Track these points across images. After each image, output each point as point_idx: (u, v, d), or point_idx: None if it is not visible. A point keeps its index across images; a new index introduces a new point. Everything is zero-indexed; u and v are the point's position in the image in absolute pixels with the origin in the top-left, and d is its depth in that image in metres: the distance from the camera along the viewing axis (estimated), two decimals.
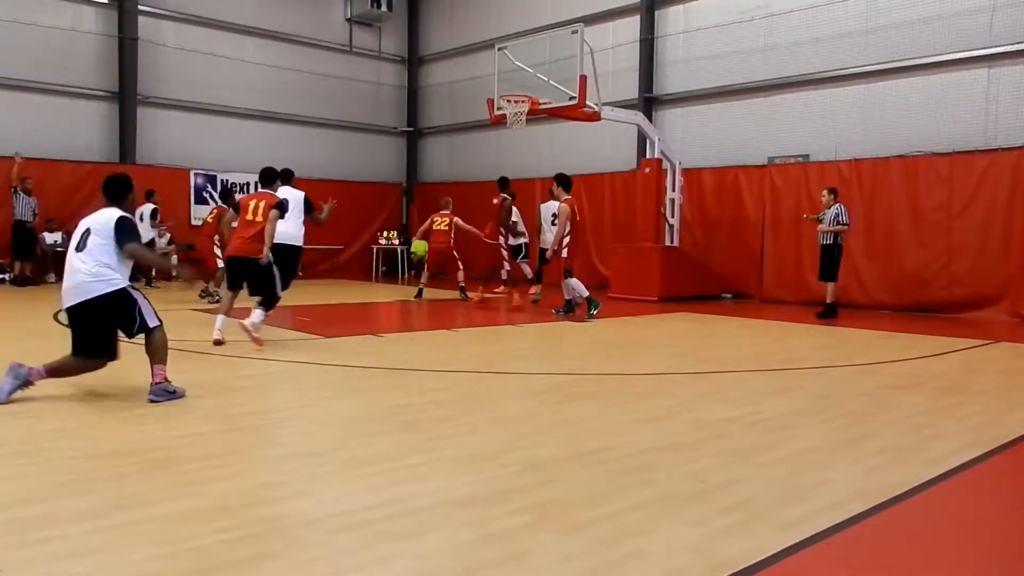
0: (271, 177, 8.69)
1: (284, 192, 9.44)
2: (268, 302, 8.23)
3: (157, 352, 5.56)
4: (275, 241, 8.40)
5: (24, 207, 14.95)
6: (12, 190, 14.84)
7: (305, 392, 6.05)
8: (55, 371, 5.51)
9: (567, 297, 11.25)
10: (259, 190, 8.74)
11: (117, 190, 5.86)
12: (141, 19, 17.65)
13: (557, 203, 12.71)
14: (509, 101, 13.09)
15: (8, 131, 16.10)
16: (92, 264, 5.41)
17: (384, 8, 20.66)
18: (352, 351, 7.88)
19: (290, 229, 9.11)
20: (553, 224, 12.15)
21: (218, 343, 7.95)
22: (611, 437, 4.65)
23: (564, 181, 11.17)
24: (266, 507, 3.36)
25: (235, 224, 8.59)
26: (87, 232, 5.59)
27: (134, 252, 5.58)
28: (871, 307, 12.78)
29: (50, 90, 16.72)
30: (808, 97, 14.35)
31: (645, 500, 3.52)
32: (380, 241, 20.36)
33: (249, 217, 8.20)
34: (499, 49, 13.79)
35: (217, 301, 13.28)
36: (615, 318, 11.41)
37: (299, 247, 9.32)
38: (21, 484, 3.59)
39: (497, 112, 13.37)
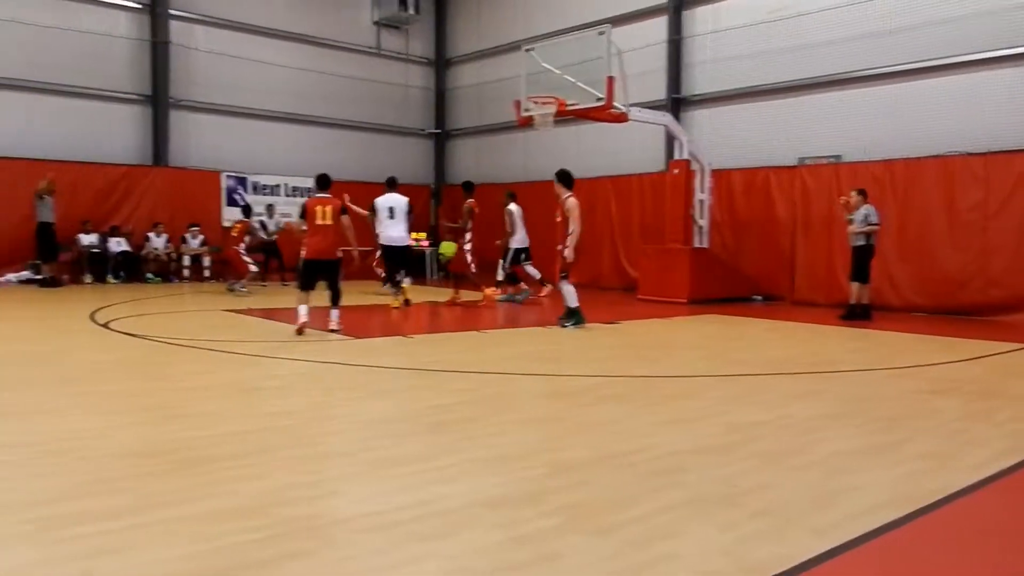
0: (327, 182, 9.51)
1: (388, 198, 11.63)
2: (338, 299, 9.30)
3: None
4: (385, 243, 11.05)
5: (47, 209, 15.09)
6: (38, 196, 14.96)
7: (335, 392, 6.09)
8: None
9: (570, 304, 10.10)
10: (316, 194, 9.46)
11: None
12: (173, 23, 17.91)
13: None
14: (536, 103, 13.09)
15: (45, 135, 16.41)
16: None
17: (411, 11, 20.77)
18: (382, 352, 7.93)
19: (399, 231, 11.41)
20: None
21: (301, 331, 8.80)
22: (640, 439, 4.63)
23: (565, 177, 10.24)
24: (297, 506, 3.39)
25: (303, 227, 9.23)
26: None
27: None
28: (905, 309, 12.60)
29: (85, 94, 17.00)
30: (839, 97, 14.18)
31: (675, 503, 3.50)
32: (408, 243, 20.35)
33: (319, 221, 9.04)
34: (526, 51, 13.80)
35: (241, 291, 13.65)
36: (643, 320, 11.36)
37: (406, 247, 11.44)
38: (57, 482, 3.65)
39: (524, 114, 13.37)
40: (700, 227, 14.50)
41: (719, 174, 14.94)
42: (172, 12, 17.86)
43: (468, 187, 13.66)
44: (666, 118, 14.57)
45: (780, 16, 14.72)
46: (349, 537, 3.07)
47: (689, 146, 14.29)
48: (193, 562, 2.78)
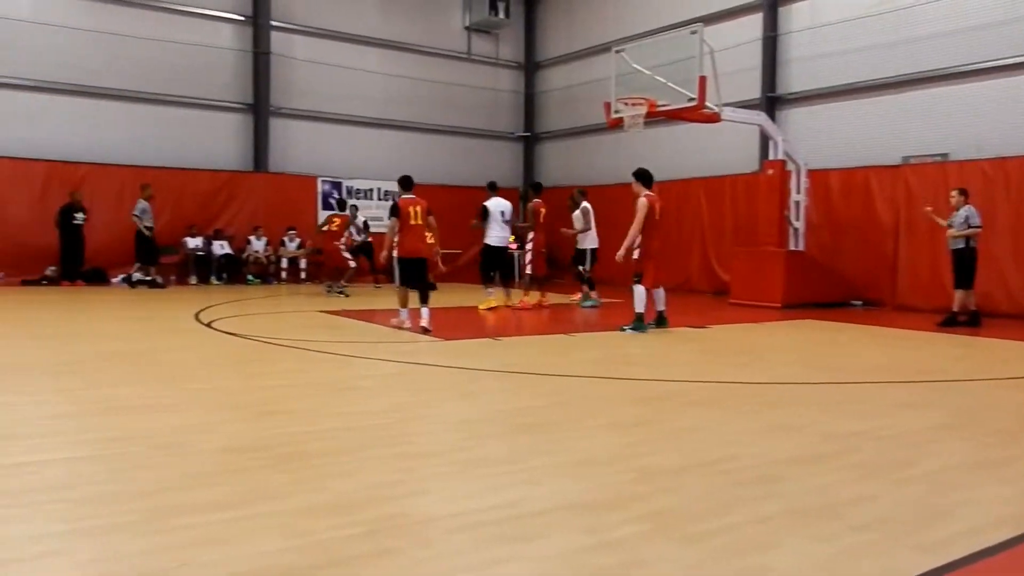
0: (411, 183, 9.98)
1: (500, 201, 12.37)
2: (428, 297, 9.66)
3: None
4: (492, 244, 12.02)
5: (149, 215, 15.64)
6: (138, 208, 15.61)
7: (424, 393, 6.17)
8: None
9: (637, 309, 9.79)
10: (403, 195, 9.84)
11: None
12: (274, 34, 18.56)
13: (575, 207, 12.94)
14: (627, 104, 12.97)
15: (151, 143, 17.28)
16: None
17: (502, 15, 20.92)
18: (470, 354, 7.99)
19: (503, 232, 12.19)
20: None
21: (399, 327, 9.48)
22: (731, 447, 4.51)
23: (644, 176, 9.99)
24: (387, 504, 3.44)
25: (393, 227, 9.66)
26: None
27: None
28: (1018, 316, 11.89)
29: (191, 104, 17.82)
30: (945, 93, 13.53)
31: (769, 513, 3.39)
32: (508, 245, 20.50)
33: (413, 221, 9.47)
34: (616, 52, 13.70)
35: (340, 293, 13.91)
36: (735, 324, 11.10)
37: (505, 248, 12.17)
38: (160, 474, 3.82)
39: (614, 115, 13.27)
40: (795, 229, 14.07)
41: (816, 174, 14.47)
42: (273, 23, 18.52)
43: (536, 188, 13.49)
44: (760, 117, 14.21)
45: (883, 10, 14.16)
46: (437, 536, 3.09)
47: (784, 146, 13.89)
48: (287, 556, 2.86)
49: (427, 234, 9.94)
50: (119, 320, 10.78)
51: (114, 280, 15.86)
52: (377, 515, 3.29)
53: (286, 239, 18.06)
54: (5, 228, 15.41)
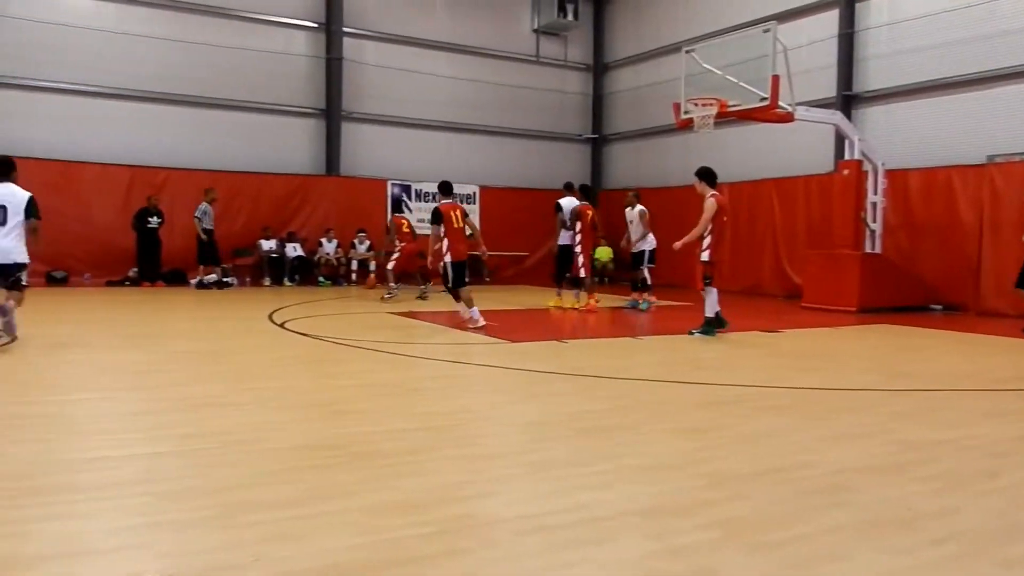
0: (450, 188, 10.50)
1: (572, 200, 12.76)
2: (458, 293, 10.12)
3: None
4: (564, 243, 12.51)
5: (210, 218, 16.12)
6: (200, 210, 16.04)
7: (491, 395, 6.21)
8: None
9: (707, 313, 9.66)
10: (442, 200, 10.26)
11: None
12: (346, 40, 18.94)
13: (631, 209, 12.83)
14: (696, 104, 12.81)
15: (228, 148, 17.82)
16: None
17: (570, 17, 20.90)
18: (536, 356, 8.00)
19: (570, 233, 12.49)
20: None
21: (474, 326, 9.81)
22: (803, 454, 4.41)
23: (708, 175, 9.71)
24: (456, 505, 3.47)
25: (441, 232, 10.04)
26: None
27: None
28: None
29: (265, 109, 18.31)
30: None
31: (843, 523, 3.30)
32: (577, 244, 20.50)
33: (456, 225, 9.97)
34: (686, 52, 13.54)
35: (394, 292, 13.81)
36: (807, 329, 10.84)
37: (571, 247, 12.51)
38: (234, 471, 3.93)
39: (684, 116, 13.12)
40: (872, 231, 13.67)
41: (894, 174, 14.03)
42: (345, 29, 18.90)
43: (584, 190, 13.22)
44: (836, 116, 13.85)
45: (965, 4, 13.64)
46: (505, 538, 3.11)
47: (861, 145, 13.51)
48: (358, 553, 2.91)
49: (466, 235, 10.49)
50: (195, 320, 11.14)
51: (192, 281, 16.39)
52: (446, 515, 3.33)
53: (356, 241, 18.39)
54: (92, 231, 16.10)
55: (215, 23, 17.63)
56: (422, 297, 14.17)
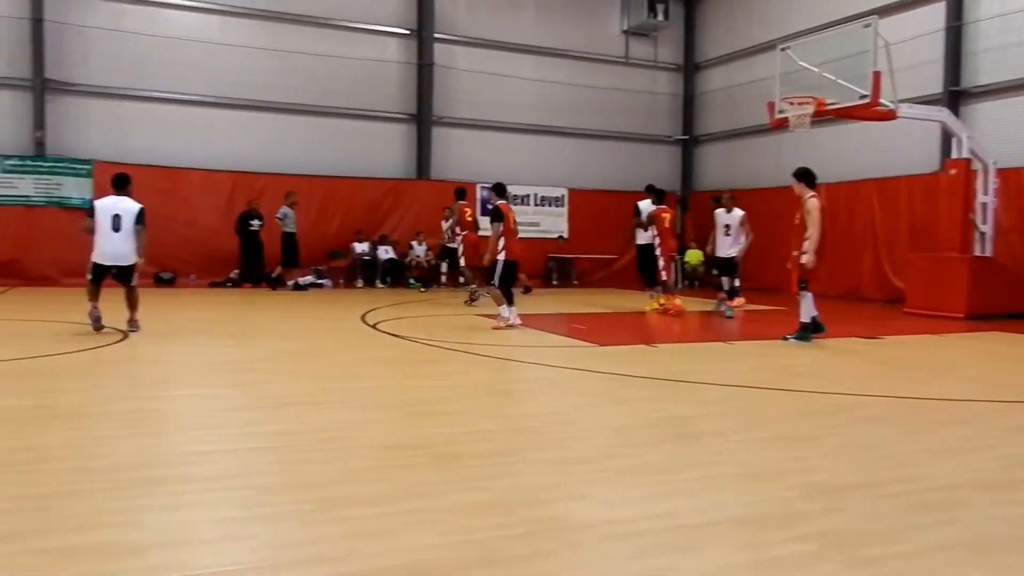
0: (504, 189, 10.71)
1: (645, 203, 12.84)
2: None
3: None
4: (639, 243, 12.76)
5: (291, 221, 16.55)
6: (281, 212, 16.47)
7: (579, 398, 6.18)
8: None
9: (802, 318, 9.33)
10: (500, 201, 10.45)
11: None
12: (436, 46, 19.23)
13: (728, 212, 12.30)
14: (792, 103, 12.45)
15: (323, 154, 18.33)
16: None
17: (660, 17, 20.65)
18: (625, 360, 7.92)
19: (649, 233, 12.61)
20: (727, 235, 12.18)
21: (510, 326, 9.94)
22: (906, 467, 4.22)
23: (806, 176, 9.35)
24: (543, 507, 3.47)
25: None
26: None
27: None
28: None
29: (359, 115, 18.77)
30: None
31: (950, 542, 3.14)
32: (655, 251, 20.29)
33: (512, 225, 10.23)
34: (781, 49, 13.18)
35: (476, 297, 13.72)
36: (910, 336, 10.38)
37: (651, 247, 12.55)
38: (327, 467, 4.04)
39: (778, 115, 12.78)
40: (982, 233, 12.97)
41: (1007, 173, 13.29)
42: (436, 35, 19.20)
43: (655, 192, 13.01)
44: (942, 113, 13.22)
45: None
46: (592, 542, 3.09)
47: (969, 143, 12.85)
48: (446, 552, 2.94)
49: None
50: (291, 320, 11.50)
51: (289, 283, 16.94)
52: (533, 517, 3.33)
53: (415, 243, 18.50)
54: (196, 234, 16.83)
55: (312, 32, 18.19)
56: (472, 300, 13.62)
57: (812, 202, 9.14)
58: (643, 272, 13.12)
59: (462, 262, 14.16)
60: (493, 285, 10.34)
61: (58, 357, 7.20)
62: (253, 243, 16.77)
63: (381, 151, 19.13)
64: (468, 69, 19.71)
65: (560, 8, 20.71)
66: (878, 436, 4.93)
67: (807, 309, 9.27)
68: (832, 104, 12.02)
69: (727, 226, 12.39)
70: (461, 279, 16.22)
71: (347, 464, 4.09)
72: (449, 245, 15.70)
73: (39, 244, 15.74)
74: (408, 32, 19.20)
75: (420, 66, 19.16)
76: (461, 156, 19.76)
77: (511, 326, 9.98)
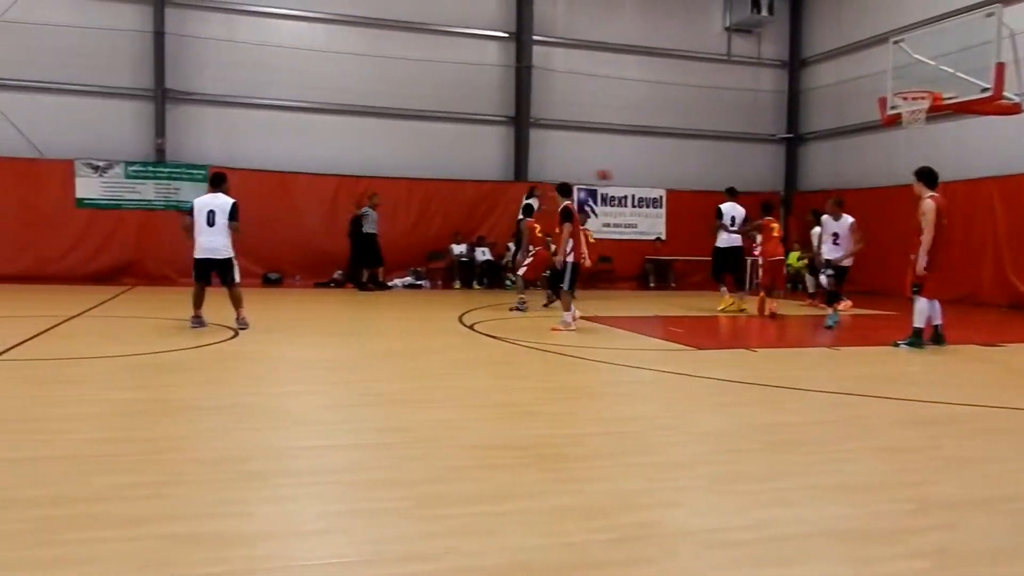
0: (569, 190, 10.74)
1: (732, 206, 13.04)
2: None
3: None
4: (722, 246, 12.85)
5: (372, 221, 16.77)
6: (363, 212, 16.71)
7: (676, 403, 6.10)
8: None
9: (916, 323, 8.91)
10: (566, 201, 10.35)
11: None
12: (535, 48, 19.31)
13: (836, 220, 11.39)
14: (905, 98, 11.92)
15: (423, 157, 18.65)
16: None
17: (764, 12, 20.10)
18: (723, 364, 7.76)
19: (736, 237, 12.92)
20: (835, 243, 11.23)
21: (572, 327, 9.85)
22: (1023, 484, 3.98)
23: (927, 176, 8.97)
24: (639, 513, 3.45)
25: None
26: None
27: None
28: None
29: (458, 119, 19.03)
30: None
31: None
32: (755, 253, 19.80)
33: (581, 226, 10.29)
34: (894, 43, 12.63)
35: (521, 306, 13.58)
36: None
37: (735, 250, 12.95)
38: (426, 464, 4.12)
39: (890, 112, 12.26)
40: None
41: None
42: (535, 38, 19.27)
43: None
44: None
45: None
46: (689, 550, 3.05)
47: None
48: (542, 553, 2.96)
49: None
50: (390, 320, 11.78)
51: (389, 284, 17.33)
52: (629, 522, 3.31)
53: (480, 252, 18.43)
54: (303, 236, 17.44)
55: (413, 38, 18.56)
56: (549, 303, 13.44)
57: (928, 203, 8.69)
58: (718, 273, 13.31)
59: (520, 272, 13.45)
60: (561, 287, 10.26)
61: (172, 353, 7.60)
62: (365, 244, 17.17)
63: (479, 154, 19.35)
64: (566, 70, 19.69)
65: (659, 7, 20.44)
66: (995, 450, 4.67)
67: (920, 314, 8.83)
68: (950, 98, 11.43)
69: (835, 234, 11.75)
70: (508, 282, 16.41)
71: (446, 463, 4.16)
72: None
73: (158, 245, 16.63)
74: (507, 35, 19.34)
75: (518, 68, 19.27)
76: (559, 157, 19.76)
77: (570, 328, 9.89)
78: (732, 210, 12.98)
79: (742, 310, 12.68)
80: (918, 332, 8.84)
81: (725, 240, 13.00)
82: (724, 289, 13.04)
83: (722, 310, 12.78)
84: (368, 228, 16.67)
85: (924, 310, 8.80)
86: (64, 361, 7.12)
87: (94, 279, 15.88)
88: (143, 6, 16.83)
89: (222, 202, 9.27)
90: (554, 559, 2.91)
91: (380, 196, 17.33)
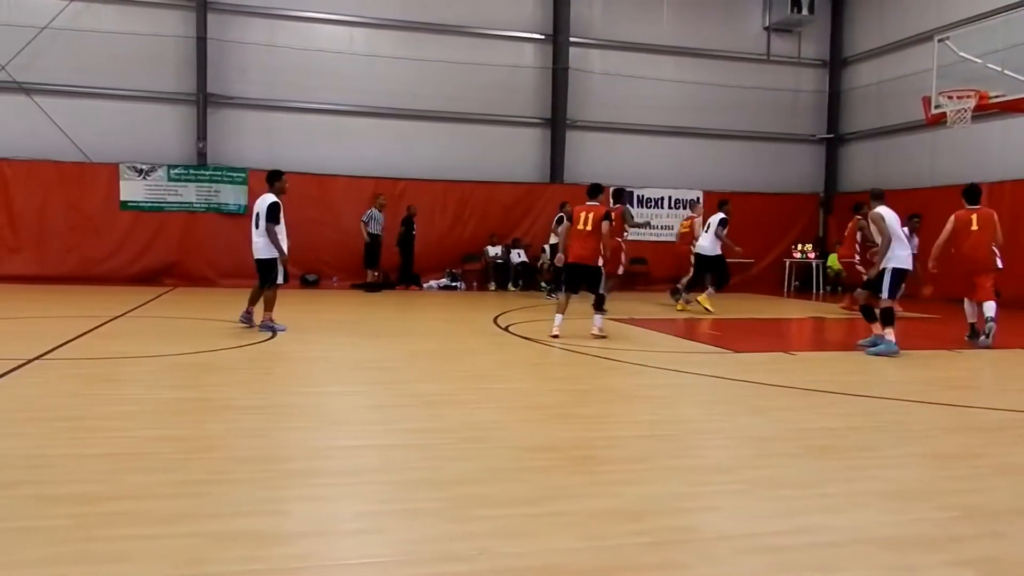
0: (598, 190, 9.85)
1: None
2: (600, 302, 9.65)
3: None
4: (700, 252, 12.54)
5: (378, 223, 16.81)
6: (372, 211, 16.79)
7: (714, 406, 6.03)
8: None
9: (970, 320, 9.31)
10: (587, 203, 9.78)
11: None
12: (572, 50, 19.26)
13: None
14: (950, 97, 11.69)
15: (460, 159, 18.70)
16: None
17: (805, 12, 19.82)
18: (762, 368, 7.66)
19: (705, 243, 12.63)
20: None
21: (555, 337, 9.21)
22: None
23: (970, 193, 9.56)
24: (677, 517, 3.41)
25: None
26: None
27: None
28: None
29: (495, 121, 19.05)
30: None
31: None
32: (794, 255, 19.58)
33: (580, 227, 9.50)
34: (939, 41, 12.39)
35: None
36: None
37: (715, 256, 12.68)
38: (464, 465, 4.12)
39: (935, 111, 12.03)
40: None
41: None
42: (572, 40, 19.23)
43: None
44: None
45: None
46: (727, 556, 3.00)
47: None
48: (578, 556, 2.94)
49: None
50: (426, 321, 11.82)
51: (425, 285, 17.39)
52: (666, 526, 3.28)
53: (516, 253, 18.34)
54: (340, 238, 17.58)
55: (450, 41, 18.63)
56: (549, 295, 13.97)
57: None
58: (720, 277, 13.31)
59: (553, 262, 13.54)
60: (602, 294, 9.82)
61: (213, 353, 7.71)
62: (406, 246, 17.30)
63: (515, 155, 19.35)
64: (602, 72, 19.62)
65: (697, 7, 20.26)
66: None
67: (987, 311, 8.95)
68: (997, 96, 11.19)
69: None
70: (542, 285, 16.41)
71: (483, 463, 4.16)
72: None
73: (199, 247, 16.91)
74: (544, 37, 19.32)
75: (555, 70, 19.23)
76: (595, 159, 19.69)
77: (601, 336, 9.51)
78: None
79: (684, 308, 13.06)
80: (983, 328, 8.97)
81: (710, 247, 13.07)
82: (711, 289, 12.99)
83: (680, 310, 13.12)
84: (373, 229, 16.80)
85: (992, 311, 8.92)
86: (107, 360, 7.26)
87: (137, 280, 16.19)
88: (186, 12, 17.12)
89: (263, 203, 9.27)
90: (589, 562, 2.89)
91: (416, 198, 17.40)
